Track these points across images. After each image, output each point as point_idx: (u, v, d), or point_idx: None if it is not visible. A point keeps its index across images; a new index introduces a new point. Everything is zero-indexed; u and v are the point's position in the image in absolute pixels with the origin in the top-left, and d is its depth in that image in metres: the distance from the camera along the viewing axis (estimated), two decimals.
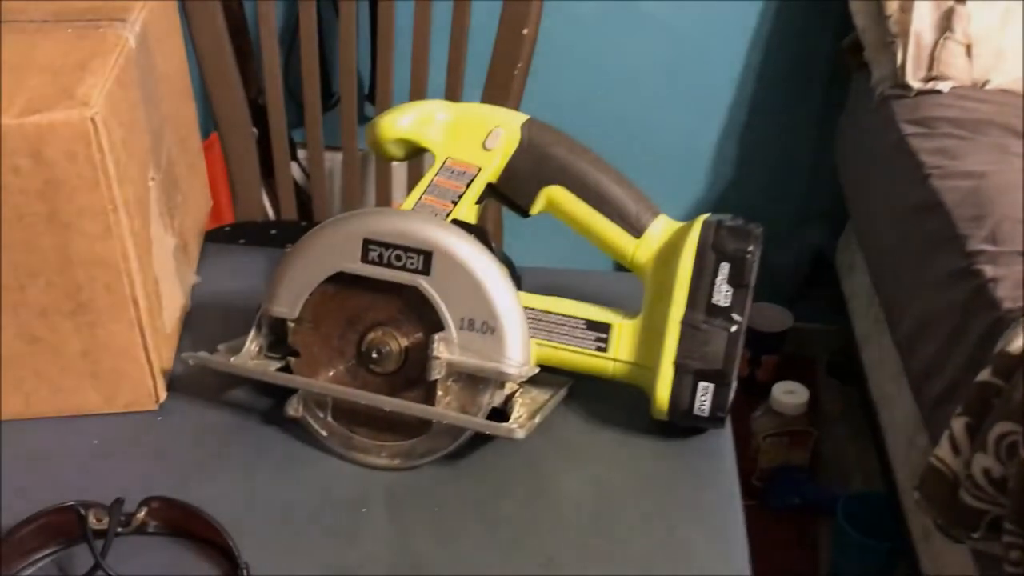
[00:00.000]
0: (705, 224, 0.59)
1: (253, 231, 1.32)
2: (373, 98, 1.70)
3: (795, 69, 1.68)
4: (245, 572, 0.52)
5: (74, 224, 0.57)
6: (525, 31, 1.20)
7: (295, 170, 1.60)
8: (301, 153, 1.73)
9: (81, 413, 0.64)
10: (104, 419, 0.64)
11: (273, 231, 1.35)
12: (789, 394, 1.53)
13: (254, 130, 1.35)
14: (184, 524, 0.55)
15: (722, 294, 0.58)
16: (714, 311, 0.58)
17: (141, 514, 0.54)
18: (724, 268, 0.58)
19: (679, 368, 0.59)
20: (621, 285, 0.74)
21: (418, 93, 1.26)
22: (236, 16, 1.54)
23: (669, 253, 0.60)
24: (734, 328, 0.58)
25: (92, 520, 0.53)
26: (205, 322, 0.73)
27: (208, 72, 1.28)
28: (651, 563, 0.55)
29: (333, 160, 1.55)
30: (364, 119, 1.70)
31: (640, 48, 1.69)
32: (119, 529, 0.53)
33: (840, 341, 1.81)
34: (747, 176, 1.77)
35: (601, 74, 1.71)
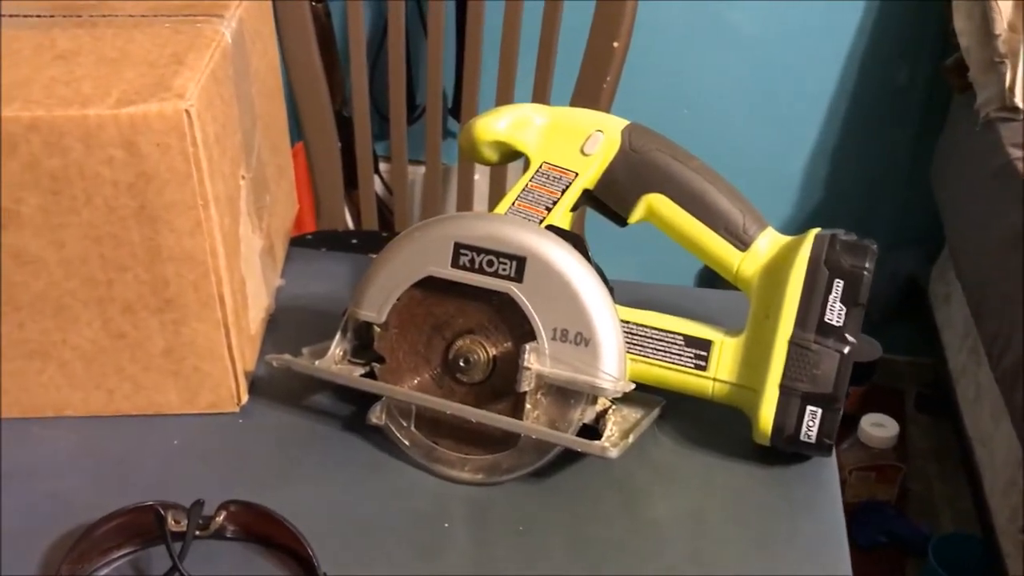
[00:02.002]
0: (818, 238, 0.56)
1: (334, 240, 1.31)
2: (455, 112, 1.69)
3: (891, 89, 1.62)
4: None
5: (164, 219, 0.56)
6: (616, 44, 1.17)
7: (376, 183, 1.60)
8: (382, 166, 1.73)
9: (162, 413, 0.63)
10: (184, 420, 0.63)
11: (354, 240, 1.34)
12: (878, 427, 1.47)
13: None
14: (262, 529, 0.53)
15: (835, 313, 0.54)
16: (826, 330, 0.55)
17: (220, 517, 0.53)
18: (838, 285, 0.54)
19: (785, 390, 0.55)
20: (712, 302, 0.71)
21: (504, 103, 1.25)
22: (324, 27, 1.54)
23: (778, 268, 0.57)
24: (847, 349, 0.55)
25: (171, 522, 0.51)
26: (288, 325, 0.72)
27: (296, 80, 1.28)
28: None
29: (414, 174, 1.55)
30: (447, 133, 1.70)
31: (728, 65, 1.65)
32: (197, 532, 0.52)
33: (930, 374, 1.74)
34: (837, 199, 1.72)
35: (688, 90, 1.68)
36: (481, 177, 1.40)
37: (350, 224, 1.54)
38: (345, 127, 1.37)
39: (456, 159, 1.33)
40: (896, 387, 1.77)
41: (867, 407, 1.59)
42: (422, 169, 1.38)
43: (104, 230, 0.56)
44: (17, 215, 0.55)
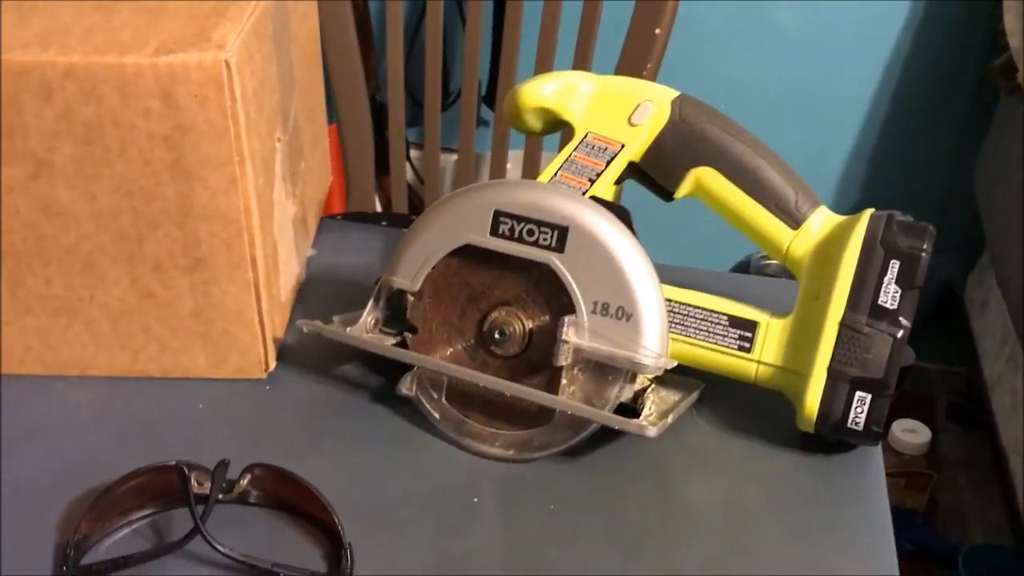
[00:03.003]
0: (874, 217, 0.54)
1: (364, 222, 1.30)
2: (489, 100, 1.67)
3: (933, 90, 1.59)
4: (348, 552, 0.49)
5: (198, 174, 0.55)
6: (657, 31, 1.15)
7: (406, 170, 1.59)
8: (412, 153, 1.72)
9: (188, 376, 0.61)
10: (211, 384, 0.61)
11: (384, 223, 1.33)
12: (910, 433, 1.44)
13: None
14: (286, 496, 0.52)
15: (889, 295, 0.52)
16: (879, 313, 0.52)
17: (244, 481, 0.51)
18: (893, 266, 0.52)
19: (834, 374, 0.53)
20: (752, 289, 0.68)
21: None
22: (360, 10, 1.53)
23: (830, 247, 0.54)
24: (900, 333, 0.52)
25: (194, 483, 0.50)
26: (318, 296, 0.70)
27: (333, 62, 1.27)
28: None
29: (445, 161, 1.53)
30: (480, 121, 1.68)
31: (768, 63, 1.63)
32: (219, 496, 0.50)
33: (963, 383, 1.70)
34: (875, 201, 1.67)
35: (725, 87, 1.64)
36: (513, 166, 1.39)
37: (379, 210, 1.52)
38: (377, 112, 1.36)
39: (489, 147, 1.31)
40: (927, 395, 1.74)
41: (897, 414, 1.56)
42: (453, 157, 1.37)
43: (137, 184, 0.55)
44: (50, 165, 0.54)
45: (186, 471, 0.48)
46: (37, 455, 0.56)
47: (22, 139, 0.53)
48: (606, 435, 0.56)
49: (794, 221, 0.56)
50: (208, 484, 0.50)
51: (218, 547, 0.47)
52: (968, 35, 1.53)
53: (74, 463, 0.55)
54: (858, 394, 0.53)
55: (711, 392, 0.60)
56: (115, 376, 0.61)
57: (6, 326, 0.59)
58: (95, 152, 0.54)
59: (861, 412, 0.53)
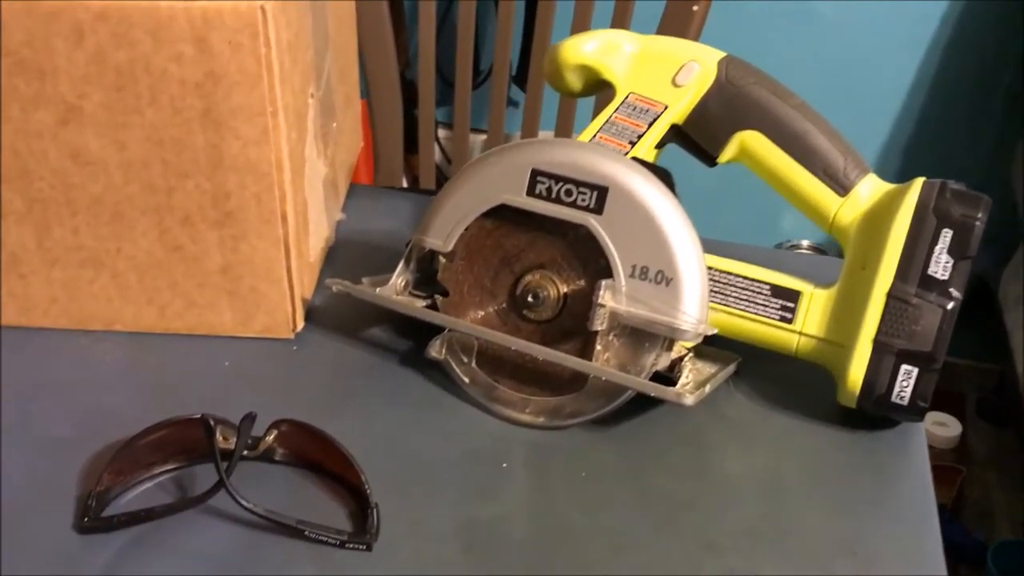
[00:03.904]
0: (926, 184, 0.52)
1: None
2: (519, 80, 1.65)
3: (973, 80, 1.56)
4: (375, 513, 0.47)
5: (230, 124, 0.53)
6: (695, 7, 1.13)
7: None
8: (440, 133, 1.70)
9: (214, 333, 0.60)
10: (237, 342, 0.60)
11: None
12: (940, 426, 1.41)
13: None
14: (312, 454, 0.51)
15: (940, 265, 0.50)
16: (929, 283, 0.51)
17: (269, 437, 0.50)
18: (946, 235, 0.50)
19: (879, 347, 0.51)
20: (793, 264, 0.66)
21: None
22: None
23: (879, 215, 0.53)
24: (951, 305, 0.51)
25: (219, 438, 0.48)
26: (347, 260, 0.69)
27: (364, 35, 1.25)
28: (831, 563, 0.48)
29: (474, 141, 1.51)
30: (510, 102, 1.66)
31: (806, 48, 1.60)
32: (244, 452, 0.49)
33: (994, 379, 1.68)
34: None
35: (762, 67, 1.63)
36: None
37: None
38: (406, 90, 1.34)
39: (519, 128, 1.30)
40: (956, 391, 1.71)
41: None
42: (482, 137, 1.35)
43: (167, 133, 0.54)
44: (79, 111, 0.53)
45: (212, 423, 0.47)
46: (60, 408, 0.55)
47: (52, 83, 0.52)
48: (639, 405, 0.55)
49: (842, 188, 0.54)
50: (233, 440, 0.49)
51: (242, 502, 0.46)
52: (1009, 25, 1.50)
53: (96, 417, 0.54)
54: (904, 367, 0.51)
55: (748, 366, 0.58)
56: (140, 332, 0.60)
57: (32, 276, 0.58)
58: (126, 98, 0.53)
59: (907, 386, 0.51)
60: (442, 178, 1.68)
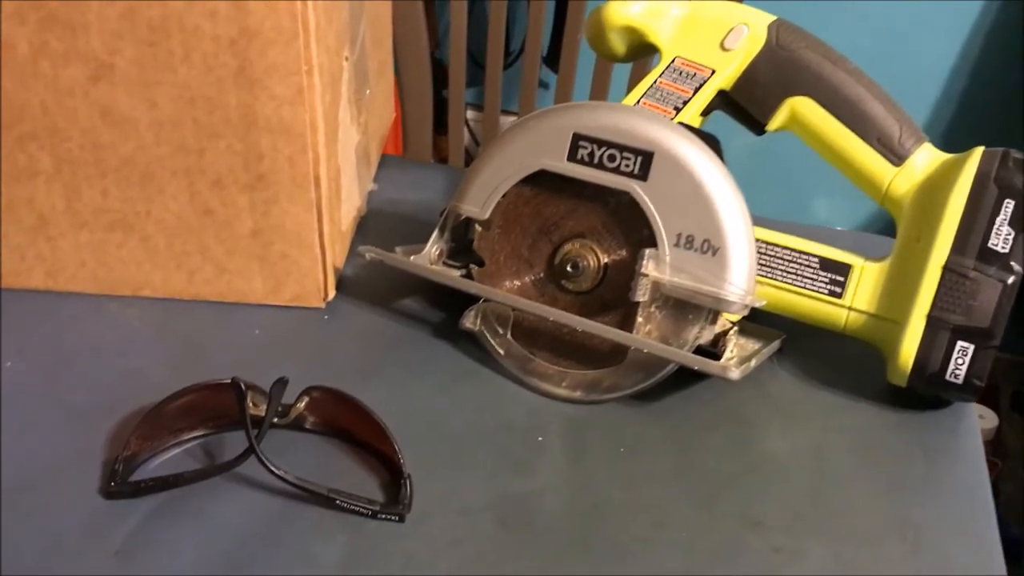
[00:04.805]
0: (987, 153, 0.49)
1: None
2: (550, 61, 1.63)
3: (1013, 69, 1.52)
4: (408, 483, 0.46)
5: (263, 83, 0.52)
6: None
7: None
8: (469, 114, 1.68)
9: (244, 301, 0.59)
10: (267, 310, 0.59)
11: None
12: (978, 419, 1.38)
13: None
14: (344, 423, 0.49)
15: (1001, 237, 0.48)
16: (988, 256, 0.48)
17: (301, 404, 0.48)
18: (1007, 206, 0.48)
19: (933, 322, 0.49)
20: (841, 242, 0.64)
21: None
22: None
23: (936, 186, 0.50)
24: (1011, 279, 0.48)
25: (249, 404, 0.47)
26: (379, 230, 0.68)
27: (396, 15, 1.24)
28: (881, 544, 0.46)
29: (503, 124, 1.49)
30: (540, 83, 1.64)
31: (843, 27, 1.56)
32: (274, 419, 0.48)
33: None
34: None
35: None
36: None
37: None
38: (435, 70, 1.32)
39: None
40: (991, 384, 1.67)
41: None
42: (511, 120, 1.33)
43: (199, 91, 0.52)
44: (110, 68, 0.52)
45: (243, 387, 0.46)
46: (86, 373, 0.54)
47: (84, 39, 0.51)
48: (679, 380, 0.53)
49: (897, 157, 0.52)
50: (263, 406, 0.48)
51: (273, 469, 0.45)
52: None
53: (124, 382, 0.53)
54: (959, 344, 0.49)
55: (791, 343, 0.57)
56: (169, 298, 0.59)
57: (60, 239, 0.57)
58: (158, 55, 0.51)
59: (962, 364, 0.49)
60: (471, 161, 1.66)
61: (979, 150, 0.50)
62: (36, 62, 0.52)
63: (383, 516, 0.45)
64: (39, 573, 0.42)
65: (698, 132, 0.52)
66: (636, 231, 0.52)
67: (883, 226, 1.49)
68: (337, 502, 0.45)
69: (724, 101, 0.55)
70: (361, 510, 0.45)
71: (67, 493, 0.46)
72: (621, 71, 1.14)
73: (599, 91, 1.23)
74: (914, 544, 0.45)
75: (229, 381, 0.47)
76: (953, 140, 1.60)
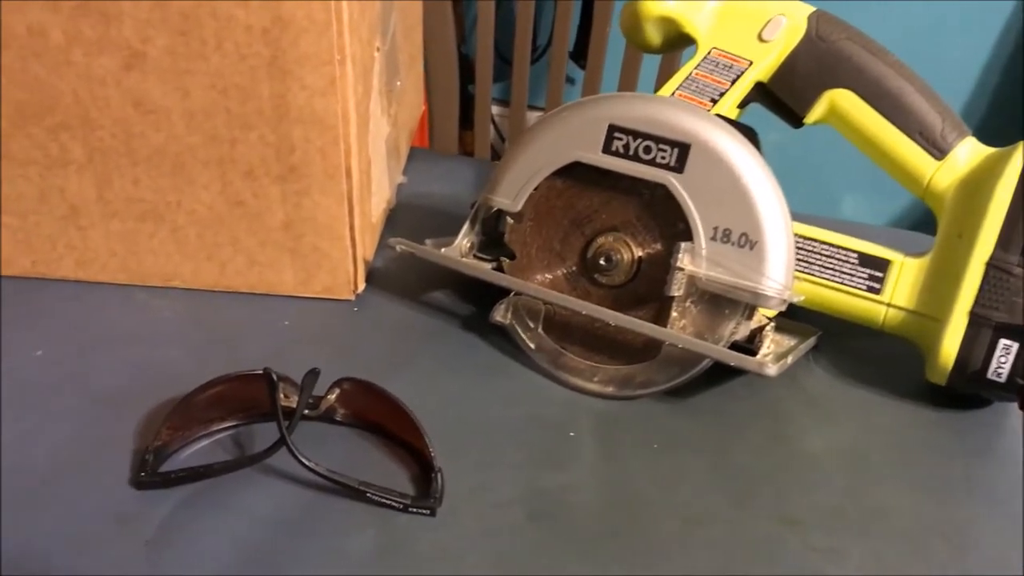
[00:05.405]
0: None
1: None
2: (577, 55, 1.63)
3: None
4: (439, 478, 0.45)
5: (296, 73, 0.52)
6: None
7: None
8: (494, 110, 1.68)
9: (274, 293, 0.59)
10: (297, 302, 0.59)
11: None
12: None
13: None
14: (374, 415, 0.49)
15: None
16: None
17: (331, 396, 0.48)
18: None
19: (976, 319, 0.48)
20: (878, 240, 0.63)
21: (635, 50, 1.18)
22: None
23: (980, 180, 0.49)
24: None
25: (279, 395, 0.47)
26: (408, 223, 0.67)
27: (424, 8, 1.23)
28: (923, 546, 0.45)
29: (528, 119, 1.48)
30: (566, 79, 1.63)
31: (871, 19, 1.54)
32: (305, 411, 0.47)
33: None
34: None
35: None
36: None
37: None
38: (461, 65, 1.32)
39: None
40: None
41: None
42: (536, 115, 1.32)
43: (232, 81, 0.52)
44: (143, 57, 0.52)
45: (275, 378, 0.46)
46: (115, 362, 0.53)
47: (117, 27, 0.51)
48: (713, 376, 0.52)
49: (938, 151, 0.51)
50: (293, 398, 0.47)
51: (304, 460, 0.44)
52: None
53: (153, 373, 0.53)
54: (1002, 342, 0.48)
55: (827, 340, 0.56)
56: (199, 289, 0.59)
57: (91, 229, 0.57)
58: (190, 44, 0.51)
59: (1004, 362, 0.48)
60: (496, 156, 1.66)
61: (1023, 145, 0.49)
62: (69, 51, 0.51)
63: (414, 510, 0.45)
64: (70, 561, 0.42)
65: (735, 124, 0.51)
66: (671, 224, 0.51)
67: (910, 224, 1.47)
68: (368, 495, 0.45)
69: (761, 93, 0.54)
70: (392, 503, 0.45)
71: (97, 482, 0.46)
72: (648, 67, 1.13)
73: (627, 87, 1.22)
74: (957, 546, 0.44)
75: (260, 372, 0.46)
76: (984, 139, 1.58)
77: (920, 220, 1.49)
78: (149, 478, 0.45)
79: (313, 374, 0.46)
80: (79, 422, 0.49)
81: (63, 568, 0.41)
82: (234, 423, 0.49)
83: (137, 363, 0.53)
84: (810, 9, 0.54)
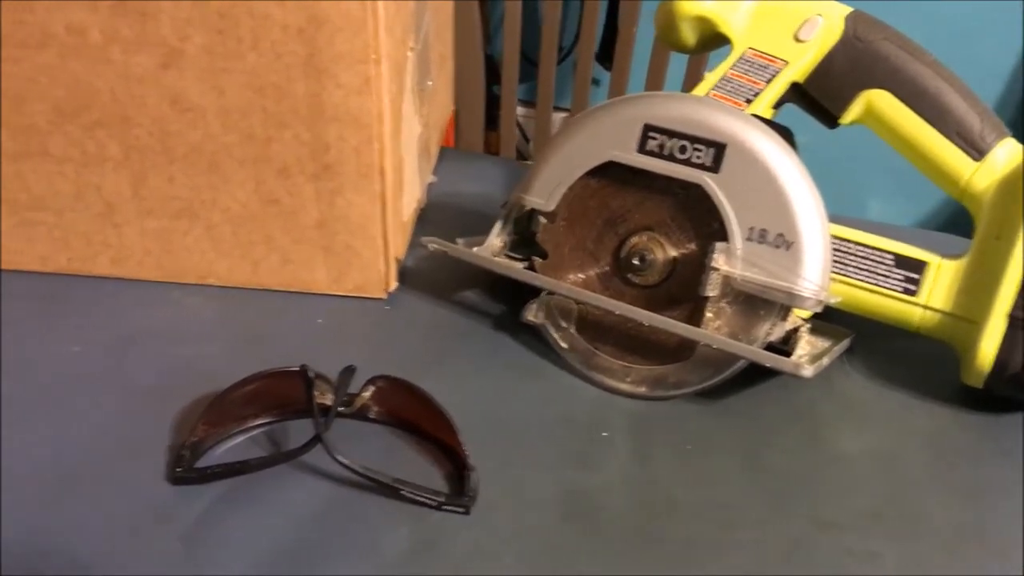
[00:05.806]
0: None
1: None
2: (602, 58, 1.62)
3: None
4: (473, 476, 0.46)
5: (331, 72, 0.52)
6: None
7: None
8: (518, 111, 1.68)
9: (307, 291, 0.59)
10: (330, 300, 0.59)
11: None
12: None
13: None
14: (408, 413, 0.49)
15: None
16: None
17: (366, 394, 0.48)
18: None
19: (1015, 322, 0.48)
20: (914, 242, 0.63)
21: (661, 51, 1.17)
22: None
23: (1018, 181, 0.49)
24: None
25: (315, 392, 0.47)
26: (438, 223, 0.67)
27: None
28: (959, 550, 0.44)
29: (554, 121, 1.48)
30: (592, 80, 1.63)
31: (902, 20, 1.53)
32: (340, 408, 0.48)
33: None
34: None
35: None
36: None
37: None
38: (487, 66, 1.32)
39: None
40: None
41: None
42: (562, 116, 1.32)
43: (268, 79, 0.52)
44: (180, 55, 0.52)
45: (311, 375, 0.46)
46: (151, 359, 0.54)
47: (155, 25, 0.51)
48: (746, 378, 0.52)
49: (977, 152, 0.50)
50: (328, 396, 0.48)
51: (339, 458, 0.44)
52: None
53: (188, 369, 0.53)
54: None
55: (861, 342, 0.55)
56: (233, 287, 0.59)
57: (126, 226, 0.57)
58: (227, 42, 0.51)
59: None
60: (521, 157, 1.66)
61: None
62: (107, 49, 0.52)
63: (448, 508, 0.45)
64: (107, 557, 0.42)
65: (771, 124, 0.51)
66: (706, 224, 0.51)
67: (936, 226, 1.46)
68: (402, 492, 0.45)
69: (797, 94, 0.54)
70: (427, 501, 0.45)
71: (133, 477, 0.46)
72: (676, 69, 1.13)
73: (653, 88, 1.22)
74: (994, 550, 0.44)
75: (296, 369, 0.47)
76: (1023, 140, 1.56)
77: (946, 223, 1.48)
78: (185, 474, 0.46)
79: (349, 371, 0.46)
80: (115, 418, 0.49)
81: (100, 564, 0.41)
82: (269, 420, 0.50)
83: (172, 360, 0.54)
84: (847, 9, 0.53)
